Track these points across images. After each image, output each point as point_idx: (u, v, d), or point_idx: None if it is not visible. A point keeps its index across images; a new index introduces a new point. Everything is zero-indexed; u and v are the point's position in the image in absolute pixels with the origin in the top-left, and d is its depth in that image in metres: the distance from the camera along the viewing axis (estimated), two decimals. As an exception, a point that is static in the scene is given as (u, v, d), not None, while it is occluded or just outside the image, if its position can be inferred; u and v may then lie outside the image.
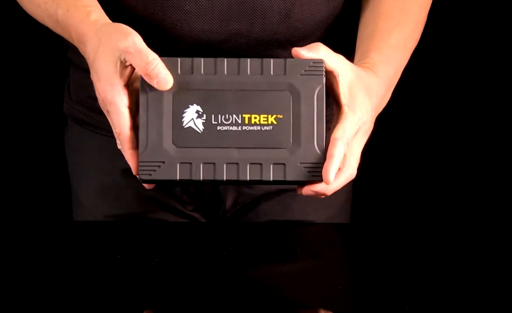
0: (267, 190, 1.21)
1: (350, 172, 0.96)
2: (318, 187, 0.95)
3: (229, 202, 1.22)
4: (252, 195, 1.22)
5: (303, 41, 1.10)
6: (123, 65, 0.95)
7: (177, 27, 1.06)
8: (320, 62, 0.95)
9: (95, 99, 1.17)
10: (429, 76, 1.68)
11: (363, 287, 0.94)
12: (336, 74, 0.96)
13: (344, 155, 0.95)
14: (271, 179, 0.94)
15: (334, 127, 0.96)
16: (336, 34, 1.11)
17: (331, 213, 1.25)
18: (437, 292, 0.91)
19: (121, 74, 0.95)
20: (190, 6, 1.05)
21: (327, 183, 0.94)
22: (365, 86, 0.98)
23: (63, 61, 1.25)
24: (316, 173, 0.94)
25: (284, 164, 0.94)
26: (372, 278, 0.95)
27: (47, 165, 1.69)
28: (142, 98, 0.95)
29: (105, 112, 0.98)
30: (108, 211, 1.20)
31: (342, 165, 0.95)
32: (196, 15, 1.06)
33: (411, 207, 1.73)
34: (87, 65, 1.16)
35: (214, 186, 1.21)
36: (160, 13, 1.06)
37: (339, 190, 0.97)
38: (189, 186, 1.20)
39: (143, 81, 0.94)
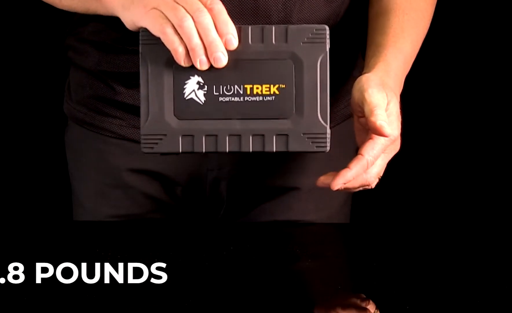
0: (268, 190, 1.21)
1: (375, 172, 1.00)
2: (348, 174, 0.95)
3: (229, 202, 1.22)
4: (252, 195, 1.21)
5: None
6: None
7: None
8: (323, 28, 0.93)
9: (95, 99, 1.18)
10: (429, 76, 1.68)
11: (363, 287, 0.94)
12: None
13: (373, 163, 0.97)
14: (274, 150, 0.93)
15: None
16: (337, 34, 1.11)
17: (331, 213, 1.25)
18: (437, 292, 0.91)
19: None
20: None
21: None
22: (386, 88, 0.99)
23: (63, 61, 1.25)
24: (320, 144, 0.93)
25: (287, 134, 0.93)
26: (372, 278, 0.95)
27: (47, 165, 1.69)
28: (142, 71, 0.93)
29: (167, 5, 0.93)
30: (108, 211, 1.20)
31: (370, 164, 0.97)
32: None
33: (411, 207, 1.73)
34: (87, 65, 1.17)
35: (215, 186, 1.21)
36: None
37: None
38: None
39: (142, 53, 0.93)
